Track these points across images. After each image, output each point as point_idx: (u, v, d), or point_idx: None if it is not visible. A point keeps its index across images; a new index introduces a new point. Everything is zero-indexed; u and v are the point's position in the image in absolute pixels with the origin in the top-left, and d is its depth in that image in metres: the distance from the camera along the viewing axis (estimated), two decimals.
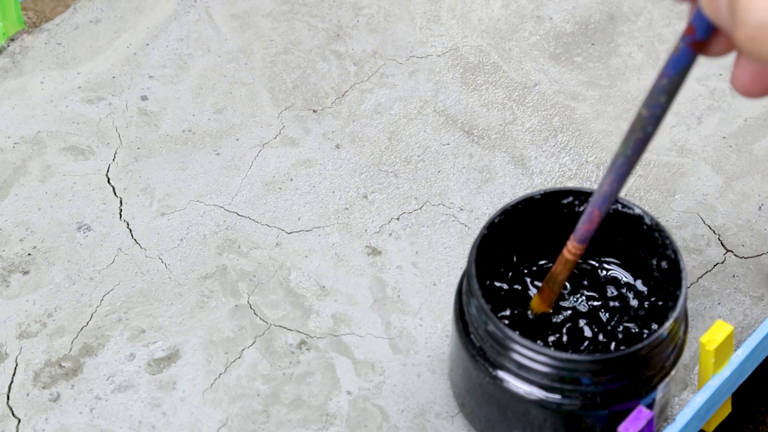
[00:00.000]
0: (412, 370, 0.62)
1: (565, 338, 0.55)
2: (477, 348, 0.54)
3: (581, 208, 0.57)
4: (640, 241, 0.56)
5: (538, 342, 0.55)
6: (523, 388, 0.53)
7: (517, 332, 0.55)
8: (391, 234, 0.67)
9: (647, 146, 0.50)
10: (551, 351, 0.52)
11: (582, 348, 0.55)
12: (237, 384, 0.61)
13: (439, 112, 0.73)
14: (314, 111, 0.73)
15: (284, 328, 0.63)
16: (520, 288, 0.57)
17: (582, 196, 0.56)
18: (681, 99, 0.73)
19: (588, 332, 0.56)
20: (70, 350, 0.62)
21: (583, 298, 0.57)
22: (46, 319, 0.63)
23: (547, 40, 0.76)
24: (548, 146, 0.71)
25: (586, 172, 0.70)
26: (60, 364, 0.61)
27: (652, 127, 0.48)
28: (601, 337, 0.55)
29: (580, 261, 0.58)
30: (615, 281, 0.57)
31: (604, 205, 0.54)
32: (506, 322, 0.56)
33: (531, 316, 0.57)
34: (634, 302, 0.56)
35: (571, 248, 0.56)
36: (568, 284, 0.57)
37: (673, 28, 0.77)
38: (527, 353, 0.52)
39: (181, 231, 0.67)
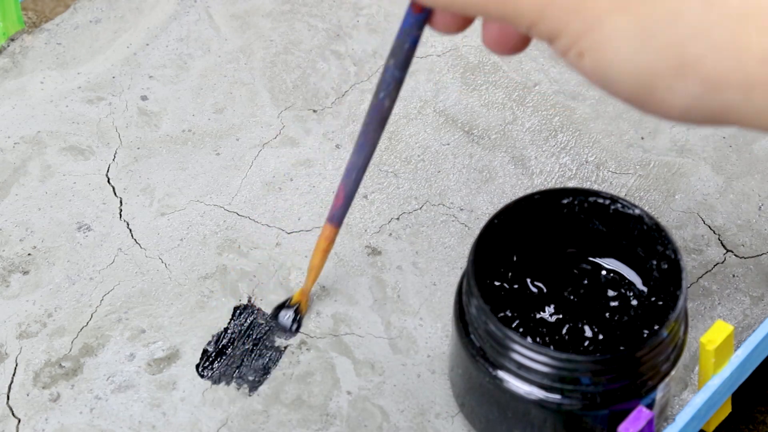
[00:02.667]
0: (412, 370, 0.62)
1: (565, 338, 0.55)
2: (477, 348, 0.54)
3: (581, 208, 0.57)
4: (640, 241, 0.56)
5: (538, 342, 0.55)
6: (523, 388, 0.53)
7: (517, 332, 0.55)
8: (391, 234, 0.67)
9: (387, 116, 0.49)
10: (551, 351, 0.52)
11: (582, 348, 0.55)
12: (237, 384, 0.61)
13: (439, 112, 0.73)
14: (314, 111, 0.73)
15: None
16: (520, 288, 0.57)
17: (582, 196, 0.56)
18: None
19: (588, 332, 0.56)
20: (70, 350, 0.62)
21: (583, 298, 0.57)
22: (46, 319, 0.63)
23: None
24: (548, 146, 0.71)
25: (586, 172, 0.70)
26: (60, 364, 0.61)
27: (384, 93, 0.48)
28: (601, 337, 0.55)
29: (580, 261, 0.58)
30: (615, 281, 0.57)
31: (348, 178, 0.54)
32: (516, 322, 0.56)
33: (292, 306, 0.60)
34: (634, 302, 0.56)
35: (324, 231, 0.56)
36: (567, 284, 0.57)
37: None
38: (527, 353, 0.52)
39: (181, 231, 0.67)
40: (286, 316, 0.62)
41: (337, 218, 0.57)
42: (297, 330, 0.61)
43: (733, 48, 0.37)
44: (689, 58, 0.38)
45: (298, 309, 0.62)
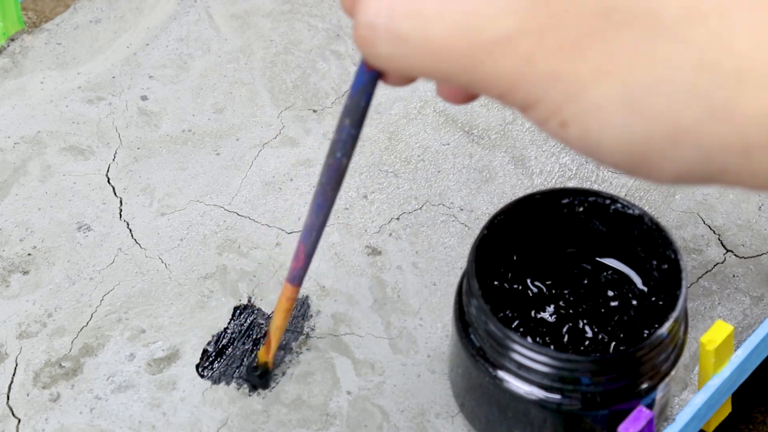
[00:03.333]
0: (412, 370, 0.62)
1: (565, 338, 0.55)
2: (477, 348, 0.54)
3: (581, 208, 0.57)
4: (640, 241, 0.56)
5: (538, 342, 0.55)
6: (523, 388, 0.53)
7: (517, 332, 0.55)
8: (391, 234, 0.67)
9: (343, 174, 0.47)
10: (551, 351, 0.52)
11: (582, 348, 0.55)
12: (237, 384, 0.61)
13: (439, 112, 0.73)
14: (314, 111, 0.73)
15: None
16: (520, 288, 0.57)
17: (582, 196, 0.56)
18: None
19: (588, 332, 0.56)
20: (70, 350, 0.62)
21: (583, 298, 0.57)
22: (46, 319, 0.63)
23: None
24: (548, 146, 0.71)
25: (586, 172, 0.70)
26: (60, 364, 0.61)
27: (341, 152, 0.46)
28: (601, 337, 0.55)
29: (580, 261, 0.58)
30: (615, 281, 0.57)
31: (308, 239, 0.52)
32: (516, 322, 0.56)
33: (257, 370, 0.59)
34: (634, 302, 0.56)
35: (285, 291, 0.55)
36: (567, 284, 0.57)
37: None
38: (527, 353, 0.52)
39: (181, 231, 0.67)
40: (255, 374, 0.60)
41: (297, 279, 0.55)
42: (268, 385, 0.60)
43: (729, 112, 0.35)
44: (684, 125, 0.35)
45: (266, 367, 0.60)
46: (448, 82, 0.39)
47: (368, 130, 0.72)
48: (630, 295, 0.57)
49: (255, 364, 0.60)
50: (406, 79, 0.43)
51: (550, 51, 0.36)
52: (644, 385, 0.53)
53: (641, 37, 0.35)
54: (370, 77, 0.43)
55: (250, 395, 0.61)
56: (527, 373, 0.53)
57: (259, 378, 0.60)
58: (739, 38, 0.35)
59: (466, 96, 0.43)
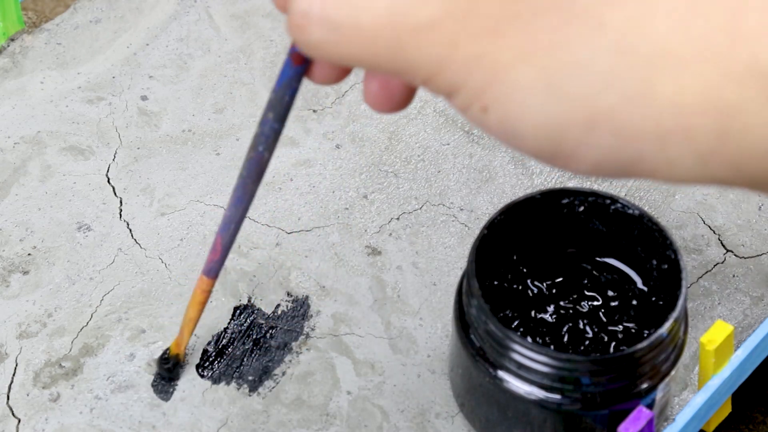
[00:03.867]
0: (412, 370, 0.62)
1: (565, 338, 0.55)
2: (477, 348, 0.54)
3: (581, 208, 0.57)
4: (640, 241, 0.56)
5: (538, 342, 0.55)
6: (523, 388, 0.53)
7: (517, 332, 0.55)
8: (391, 234, 0.67)
9: (264, 168, 0.47)
10: (551, 351, 0.52)
11: (582, 348, 0.55)
12: (237, 384, 0.61)
13: (439, 112, 0.73)
14: (314, 111, 0.73)
15: (284, 328, 0.63)
16: (520, 288, 0.57)
17: (582, 196, 0.56)
18: None
19: (588, 332, 0.56)
20: (70, 350, 0.62)
21: (583, 298, 0.57)
22: (46, 319, 0.63)
23: None
24: None
25: None
26: (60, 364, 0.61)
27: (263, 146, 0.46)
28: (601, 337, 0.55)
29: (580, 261, 0.58)
30: (615, 281, 0.57)
31: (225, 231, 0.52)
32: (516, 322, 0.56)
33: (168, 362, 0.60)
34: (634, 302, 0.56)
35: (200, 283, 0.55)
36: (567, 284, 0.57)
37: None
38: (527, 353, 0.52)
39: (181, 231, 0.67)
40: (165, 366, 0.60)
41: (214, 271, 0.55)
42: (178, 377, 0.60)
43: (645, 96, 0.35)
44: (600, 109, 0.35)
45: (177, 359, 0.60)
46: (376, 69, 0.39)
47: (368, 130, 0.72)
48: (630, 295, 0.57)
49: (166, 356, 0.60)
50: (332, 75, 0.43)
51: (473, 34, 0.36)
52: (644, 385, 0.53)
53: (561, 20, 0.35)
54: (295, 72, 0.43)
55: (250, 395, 0.61)
56: (527, 373, 0.53)
57: (168, 371, 0.60)
58: (656, 22, 0.34)
59: (394, 99, 0.43)
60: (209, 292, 0.57)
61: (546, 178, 0.70)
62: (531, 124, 0.37)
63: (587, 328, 0.56)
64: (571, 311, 0.56)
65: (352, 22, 0.38)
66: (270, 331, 0.63)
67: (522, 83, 0.36)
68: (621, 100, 0.35)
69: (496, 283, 0.57)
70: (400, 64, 0.38)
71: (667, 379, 0.54)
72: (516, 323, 0.56)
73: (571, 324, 0.56)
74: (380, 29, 0.38)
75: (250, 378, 0.61)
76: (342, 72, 0.43)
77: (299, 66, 0.43)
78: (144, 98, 0.73)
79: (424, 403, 0.61)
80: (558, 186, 0.69)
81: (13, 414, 0.60)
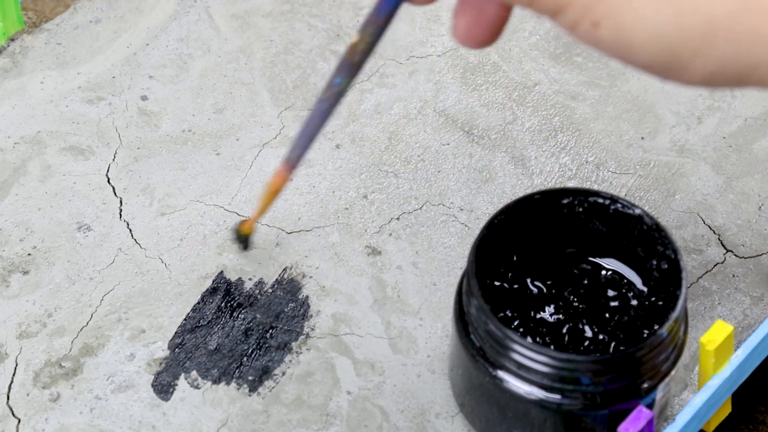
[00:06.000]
0: (412, 370, 0.62)
1: (565, 338, 0.55)
2: (477, 348, 0.54)
3: (581, 208, 0.57)
4: (640, 241, 0.56)
5: (538, 342, 0.55)
6: (523, 388, 0.53)
7: (517, 332, 0.55)
8: (391, 234, 0.67)
9: (356, 71, 0.50)
10: (551, 351, 0.52)
11: (582, 348, 0.55)
12: (237, 384, 0.61)
13: (439, 112, 0.73)
14: None
15: (284, 328, 0.63)
16: (520, 288, 0.57)
17: (582, 196, 0.56)
18: (681, 99, 0.73)
19: (588, 332, 0.56)
20: (70, 350, 0.62)
21: (583, 298, 0.57)
22: (46, 319, 0.63)
23: (547, 40, 0.76)
24: (548, 146, 0.71)
25: (586, 172, 0.70)
26: (60, 364, 0.61)
27: (362, 53, 0.48)
28: (601, 337, 0.55)
29: (580, 261, 0.58)
30: (615, 281, 0.57)
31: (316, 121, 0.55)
32: (516, 322, 0.56)
33: (241, 237, 0.65)
34: (634, 302, 0.56)
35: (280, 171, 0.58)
36: (567, 284, 0.57)
37: None
38: (527, 353, 0.52)
39: (181, 231, 0.67)
40: (240, 243, 0.65)
41: (293, 160, 0.58)
42: (248, 247, 0.66)
43: (763, 4, 0.35)
44: (717, 17, 0.35)
45: (246, 237, 0.65)
46: None
47: (368, 130, 0.72)
48: (630, 295, 0.57)
49: (237, 235, 0.65)
50: None
51: None
52: (644, 385, 0.53)
53: None
54: None
55: (250, 395, 0.61)
56: (527, 373, 0.53)
57: (244, 245, 0.65)
58: None
59: (485, 30, 0.42)
60: (287, 179, 0.58)
61: (546, 178, 0.70)
62: (646, 36, 0.36)
63: (587, 328, 0.56)
64: (571, 311, 0.56)
65: None
66: (270, 330, 0.63)
67: None
68: (738, 8, 0.35)
69: (496, 283, 0.57)
70: None
71: (667, 379, 0.54)
72: (516, 323, 0.56)
73: (571, 324, 0.56)
74: None
75: (250, 378, 0.61)
76: None
77: None
78: (144, 98, 0.73)
79: (424, 403, 0.61)
80: (558, 186, 0.69)
81: (13, 414, 0.60)
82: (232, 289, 0.64)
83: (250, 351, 0.62)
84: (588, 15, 0.37)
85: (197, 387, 0.61)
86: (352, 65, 0.50)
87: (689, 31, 0.36)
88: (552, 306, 0.56)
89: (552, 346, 0.55)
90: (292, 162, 0.58)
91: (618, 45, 0.37)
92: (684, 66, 0.37)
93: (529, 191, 0.64)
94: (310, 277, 0.65)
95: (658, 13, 0.36)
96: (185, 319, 0.63)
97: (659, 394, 0.54)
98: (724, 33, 0.36)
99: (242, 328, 0.63)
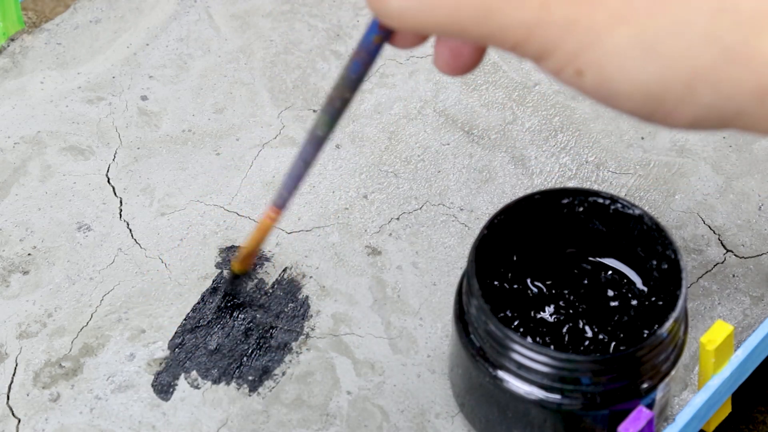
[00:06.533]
0: (412, 370, 0.62)
1: (565, 338, 0.55)
2: (477, 348, 0.54)
3: (581, 208, 0.57)
4: (640, 241, 0.56)
5: (538, 342, 0.55)
6: (523, 388, 0.53)
7: (517, 332, 0.55)
8: (391, 234, 0.67)
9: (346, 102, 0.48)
10: (551, 351, 0.52)
11: (582, 348, 0.55)
12: (237, 384, 0.61)
13: (439, 112, 0.73)
14: (314, 111, 0.73)
15: (284, 328, 0.63)
16: (520, 288, 0.57)
17: (582, 196, 0.56)
18: None
19: (588, 332, 0.56)
20: (70, 350, 0.62)
21: (583, 298, 0.57)
22: (46, 319, 0.63)
23: None
24: (548, 146, 0.71)
25: (586, 172, 0.70)
26: (60, 364, 0.61)
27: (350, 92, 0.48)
28: (601, 337, 0.55)
29: (580, 261, 0.58)
30: (615, 281, 0.57)
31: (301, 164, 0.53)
32: (516, 322, 0.56)
33: (231, 275, 0.62)
34: (634, 302, 0.56)
35: (269, 212, 0.56)
36: (567, 284, 0.57)
37: None
38: (527, 353, 0.52)
39: (181, 231, 0.67)
40: (232, 283, 0.64)
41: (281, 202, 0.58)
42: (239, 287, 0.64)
43: (746, 54, 0.36)
44: (700, 68, 0.36)
45: (237, 275, 0.63)
46: (460, 36, 0.39)
47: (368, 130, 0.72)
48: (630, 295, 0.57)
49: (232, 275, 0.63)
50: (413, 39, 0.43)
51: None
52: (644, 385, 0.53)
53: None
54: (381, 37, 0.43)
55: (250, 395, 0.61)
56: (527, 373, 0.53)
57: (233, 285, 0.64)
58: None
59: (466, 61, 0.42)
60: (275, 221, 0.58)
61: (546, 178, 0.70)
62: (629, 85, 0.37)
63: (587, 328, 0.56)
64: (571, 311, 0.56)
65: None
66: (270, 330, 0.63)
67: (619, 47, 0.36)
68: (722, 59, 0.36)
69: (496, 283, 0.57)
70: (486, 31, 0.38)
71: (667, 379, 0.54)
72: (516, 323, 0.56)
73: (571, 324, 0.56)
74: None
75: (250, 378, 0.61)
76: (423, 37, 0.43)
77: (382, 31, 0.43)
78: (144, 98, 0.73)
79: (424, 403, 0.61)
80: (558, 186, 0.69)
81: (13, 414, 0.60)
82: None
83: (250, 351, 0.62)
84: (572, 63, 0.38)
85: (197, 387, 0.61)
86: (333, 111, 0.50)
87: (673, 81, 0.37)
88: (552, 306, 0.56)
89: (552, 346, 0.55)
90: (279, 205, 0.57)
91: (601, 93, 0.38)
92: (668, 113, 0.38)
93: (529, 191, 0.64)
94: (310, 277, 0.65)
95: (642, 65, 0.37)
96: (185, 319, 0.63)
97: (659, 394, 0.54)
98: (706, 82, 0.36)
99: (242, 328, 0.63)
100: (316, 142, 0.52)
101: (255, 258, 0.62)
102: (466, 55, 0.42)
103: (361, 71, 0.46)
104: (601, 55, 0.37)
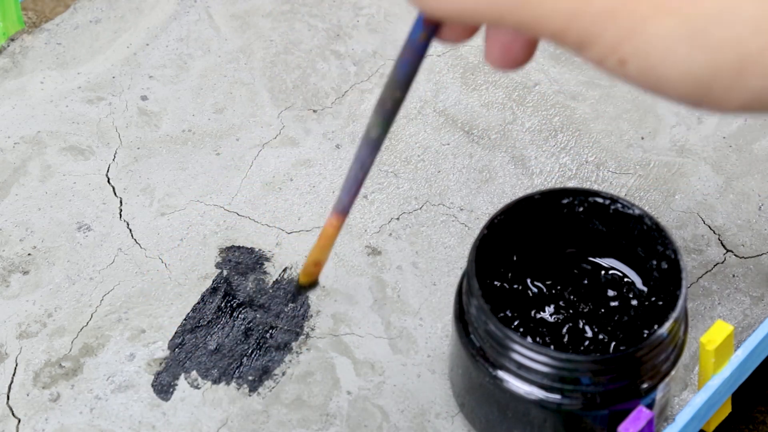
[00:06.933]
0: (412, 370, 0.62)
1: (565, 338, 0.55)
2: (477, 348, 0.54)
3: (581, 208, 0.57)
4: (640, 241, 0.56)
5: (538, 342, 0.55)
6: (523, 388, 0.53)
7: (517, 332, 0.55)
8: (391, 234, 0.67)
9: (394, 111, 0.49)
10: (551, 351, 0.52)
11: (582, 348, 0.55)
12: (237, 384, 0.61)
13: (439, 112, 0.73)
14: (314, 111, 0.73)
15: (284, 328, 0.63)
16: (520, 288, 0.57)
17: (582, 196, 0.56)
18: None
19: (588, 332, 0.56)
20: (70, 350, 0.62)
21: (583, 298, 0.57)
22: (46, 319, 0.63)
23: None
24: (548, 146, 0.71)
25: (586, 172, 0.70)
26: (60, 364, 0.61)
27: (400, 91, 0.48)
28: (601, 337, 0.55)
29: (580, 261, 0.58)
30: (615, 281, 0.57)
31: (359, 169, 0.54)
32: (516, 322, 0.56)
33: (299, 288, 0.63)
34: (634, 302, 0.56)
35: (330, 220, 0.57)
36: (567, 284, 0.57)
37: None
38: (527, 353, 0.52)
39: (181, 231, 0.67)
40: (298, 295, 0.64)
41: (343, 208, 0.58)
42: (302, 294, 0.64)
43: None
44: (750, 53, 0.36)
45: (303, 287, 0.64)
46: (499, 23, 0.39)
47: None
48: (630, 295, 0.57)
49: (297, 288, 0.64)
50: (460, 32, 0.43)
51: None
52: (644, 385, 0.53)
53: None
54: (428, 32, 0.43)
55: (250, 395, 0.61)
56: (527, 373, 0.53)
57: (297, 295, 0.64)
58: None
59: (517, 56, 0.42)
60: (338, 228, 0.58)
61: (546, 178, 0.70)
62: (676, 73, 0.37)
63: (587, 328, 0.56)
64: (571, 311, 0.56)
65: None
66: (270, 330, 0.63)
67: (663, 34, 0.36)
68: None
69: (496, 283, 0.57)
70: (526, 18, 0.38)
71: (667, 379, 0.54)
72: (516, 323, 0.56)
73: (571, 324, 0.56)
74: None
75: (250, 378, 0.61)
76: (471, 29, 0.43)
77: (429, 25, 0.43)
78: (144, 98, 0.73)
79: (424, 403, 0.61)
80: (558, 186, 0.69)
81: (13, 414, 0.60)
82: (232, 289, 0.64)
83: (250, 351, 0.62)
84: (615, 53, 0.37)
85: (197, 387, 0.61)
86: (385, 113, 0.50)
87: (721, 67, 0.36)
88: (552, 306, 0.56)
89: (552, 346, 0.55)
90: (340, 211, 0.57)
91: (647, 81, 0.38)
92: (717, 99, 0.37)
93: (529, 191, 0.64)
94: None
95: (689, 53, 0.36)
96: (185, 319, 0.63)
97: (659, 394, 0.54)
98: (756, 67, 0.36)
99: (242, 328, 0.63)
100: (371, 145, 0.52)
101: (321, 268, 0.62)
102: (516, 50, 0.42)
103: (408, 71, 0.46)
104: (645, 44, 0.37)
